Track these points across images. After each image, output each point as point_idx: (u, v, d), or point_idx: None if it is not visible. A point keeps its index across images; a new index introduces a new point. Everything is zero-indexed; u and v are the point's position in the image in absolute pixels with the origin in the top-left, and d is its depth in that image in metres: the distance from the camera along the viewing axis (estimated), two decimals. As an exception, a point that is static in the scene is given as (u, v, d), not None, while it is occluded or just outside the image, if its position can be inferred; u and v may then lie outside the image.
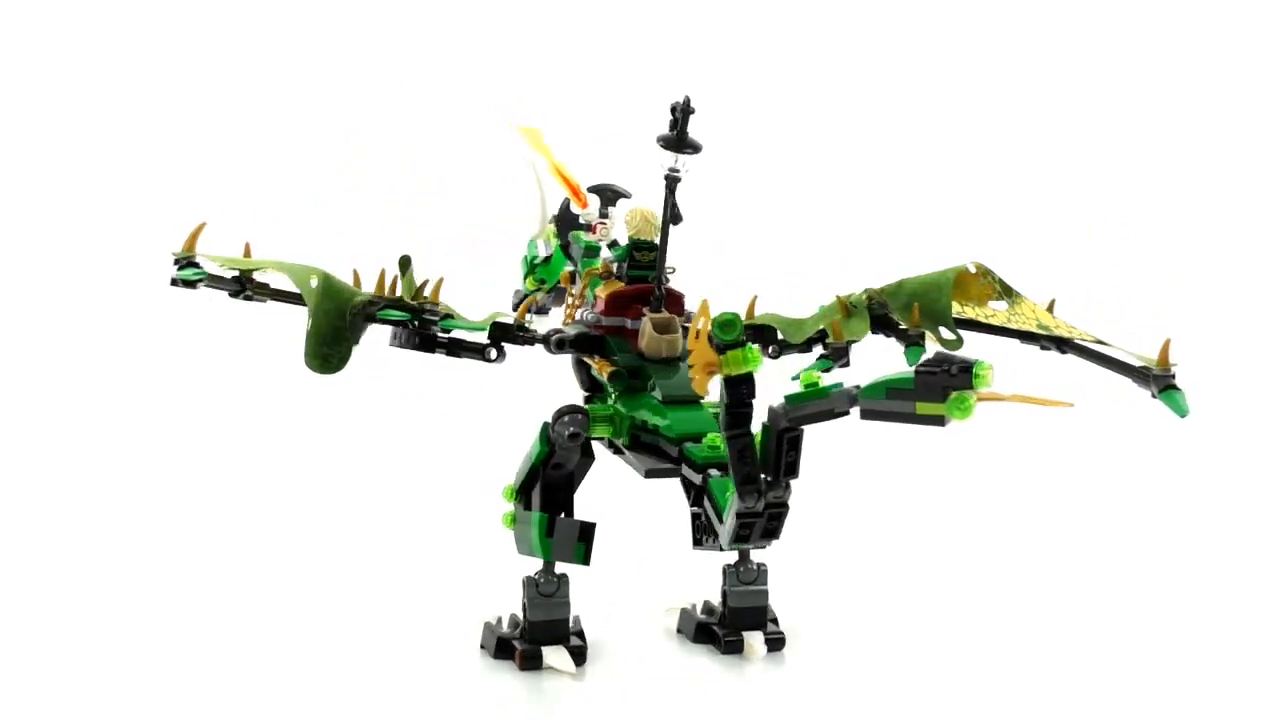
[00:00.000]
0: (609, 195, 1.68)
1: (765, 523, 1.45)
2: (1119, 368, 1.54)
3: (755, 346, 1.34)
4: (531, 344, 1.57)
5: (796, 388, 1.38)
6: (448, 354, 1.55)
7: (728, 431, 1.40)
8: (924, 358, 1.38)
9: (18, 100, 2.60)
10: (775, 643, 1.59)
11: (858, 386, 1.39)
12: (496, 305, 1.57)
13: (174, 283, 1.59)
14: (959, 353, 1.59)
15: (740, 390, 1.36)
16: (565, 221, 1.70)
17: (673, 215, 1.55)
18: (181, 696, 1.49)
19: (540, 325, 1.61)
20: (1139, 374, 1.51)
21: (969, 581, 1.77)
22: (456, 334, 1.55)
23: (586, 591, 1.64)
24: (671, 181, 1.52)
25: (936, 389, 1.35)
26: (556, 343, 1.58)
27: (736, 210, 2.36)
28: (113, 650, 1.58)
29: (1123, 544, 1.90)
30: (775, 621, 1.61)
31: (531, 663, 1.54)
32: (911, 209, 2.43)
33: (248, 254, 1.60)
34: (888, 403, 1.37)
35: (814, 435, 1.43)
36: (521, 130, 1.62)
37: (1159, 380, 1.48)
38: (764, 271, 1.90)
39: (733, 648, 1.59)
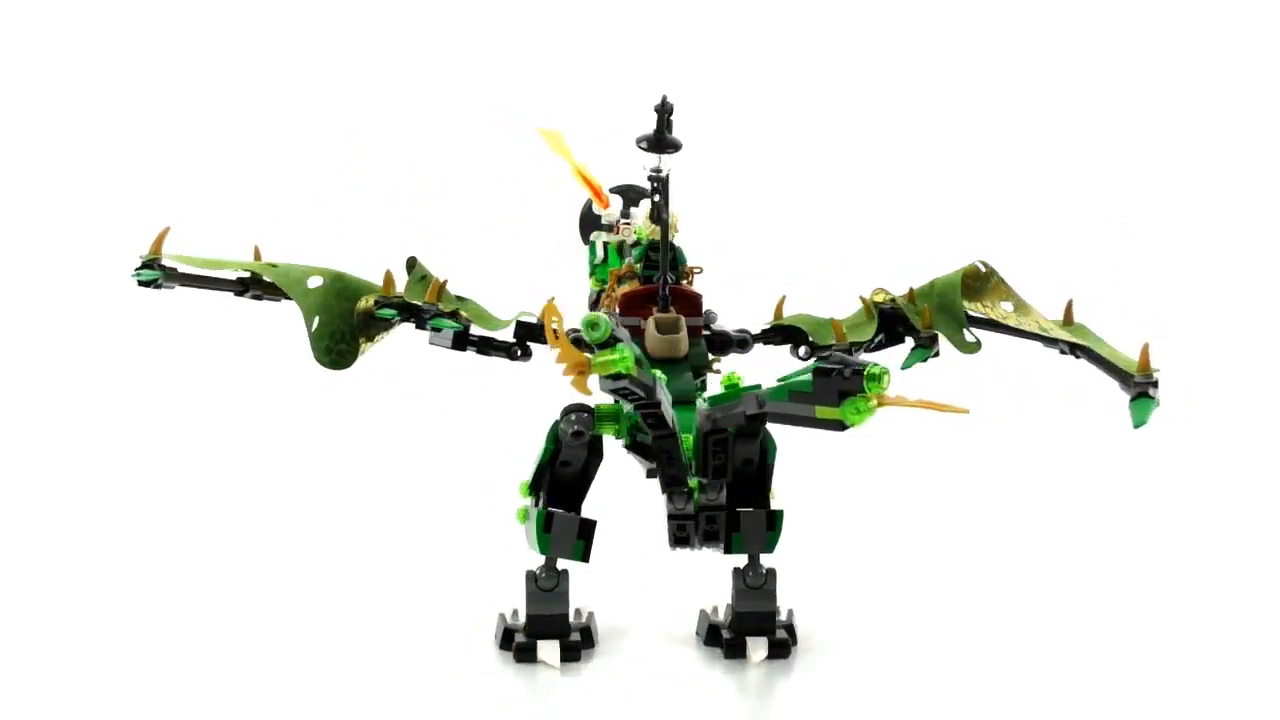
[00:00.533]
0: (631, 196, 1.69)
1: (705, 525, 1.45)
2: (1111, 370, 1.53)
3: (624, 346, 1.34)
4: None
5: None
6: (478, 352, 1.60)
7: (651, 434, 1.40)
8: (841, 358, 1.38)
9: (18, 102, 2.59)
10: (779, 650, 1.58)
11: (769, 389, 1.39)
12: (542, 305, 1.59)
13: (140, 283, 1.63)
14: (970, 355, 1.61)
15: (619, 391, 1.36)
16: (588, 222, 1.70)
17: (655, 216, 1.56)
18: (193, 683, 1.52)
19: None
20: (1124, 378, 1.50)
21: (980, 592, 1.76)
22: (483, 332, 1.60)
23: (603, 590, 1.66)
24: (654, 182, 1.52)
25: (832, 392, 1.35)
26: (572, 342, 1.59)
27: (763, 209, 2.37)
28: (122, 651, 1.60)
29: (1135, 549, 1.90)
30: (790, 630, 1.60)
31: (526, 655, 1.57)
32: (925, 209, 2.44)
33: (257, 257, 1.64)
34: (790, 405, 1.37)
35: (827, 440, 1.43)
36: (543, 133, 1.63)
37: (1137, 386, 1.47)
38: (792, 270, 1.90)
39: (734, 652, 1.58)
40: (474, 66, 2.56)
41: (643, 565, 1.75)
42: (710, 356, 1.61)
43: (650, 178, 1.53)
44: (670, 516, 1.45)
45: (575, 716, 1.48)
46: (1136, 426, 1.44)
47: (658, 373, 1.41)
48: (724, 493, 1.45)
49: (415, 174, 2.50)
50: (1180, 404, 2.16)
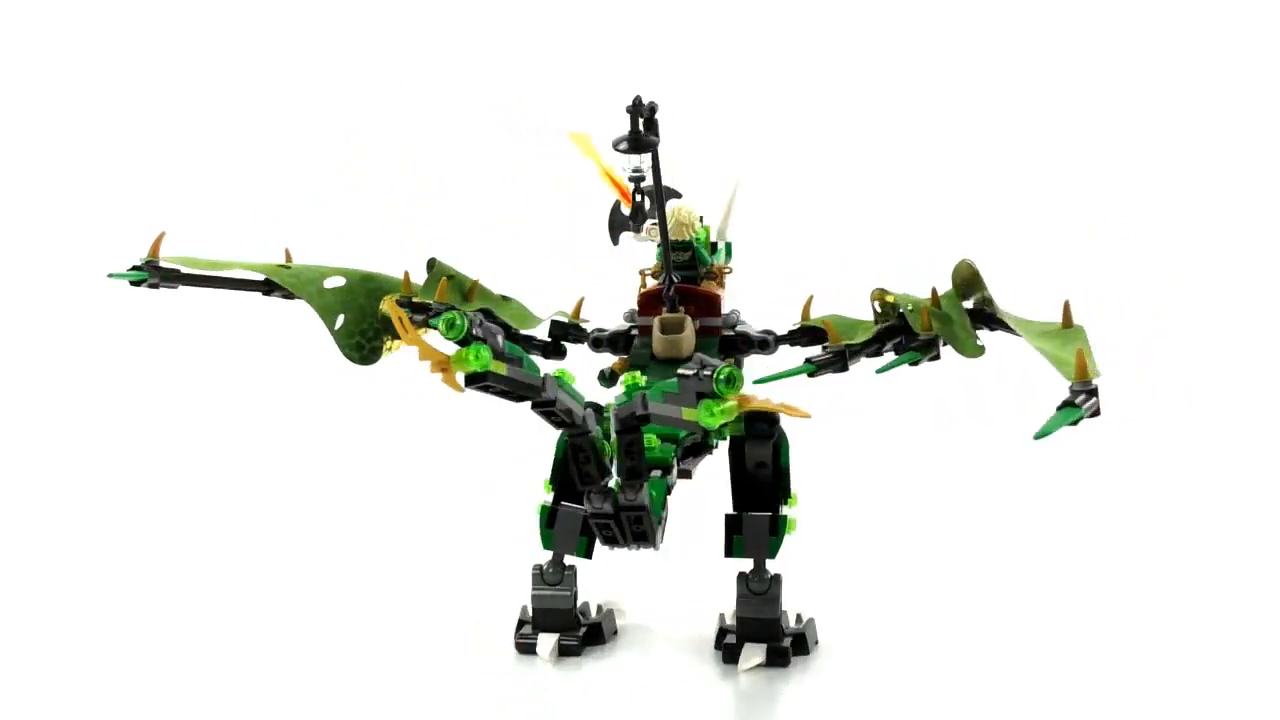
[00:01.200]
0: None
1: (631, 526, 1.46)
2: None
3: (480, 345, 1.35)
4: (581, 342, 1.64)
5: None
6: None
7: (566, 432, 1.42)
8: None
9: (19, 104, 2.59)
10: (777, 657, 1.55)
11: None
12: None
13: (131, 283, 1.67)
14: (973, 360, 1.59)
15: (485, 389, 1.37)
16: (616, 223, 1.71)
17: (637, 214, 1.56)
18: (196, 668, 1.54)
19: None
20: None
21: (986, 601, 1.74)
22: (523, 331, 1.63)
23: (632, 589, 1.68)
24: (635, 182, 1.53)
25: (691, 394, 1.35)
26: (593, 341, 1.64)
27: (804, 212, 2.37)
28: (128, 650, 1.60)
29: (1139, 553, 1.88)
30: (799, 638, 1.57)
31: (526, 647, 1.59)
32: (933, 210, 2.44)
33: (288, 260, 1.68)
34: (664, 406, 1.38)
35: (832, 443, 1.43)
36: (571, 136, 1.63)
37: (1070, 394, 1.35)
38: (827, 271, 1.90)
39: (731, 656, 1.56)
40: (475, 66, 2.57)
41: (677, 565, 1.74)
42: (729, 358, 1.60)
43: (631, 178, 1.53)
44: (589, 516, 1.46)
45: (558, 711, 1.48)
46: (1036, 437, 1.31)
47: (565, 371, 1.42)
48: (643, 493, 1.44)
49: (417, 173, 2.51)
50: (1180, 403, 2.20)
